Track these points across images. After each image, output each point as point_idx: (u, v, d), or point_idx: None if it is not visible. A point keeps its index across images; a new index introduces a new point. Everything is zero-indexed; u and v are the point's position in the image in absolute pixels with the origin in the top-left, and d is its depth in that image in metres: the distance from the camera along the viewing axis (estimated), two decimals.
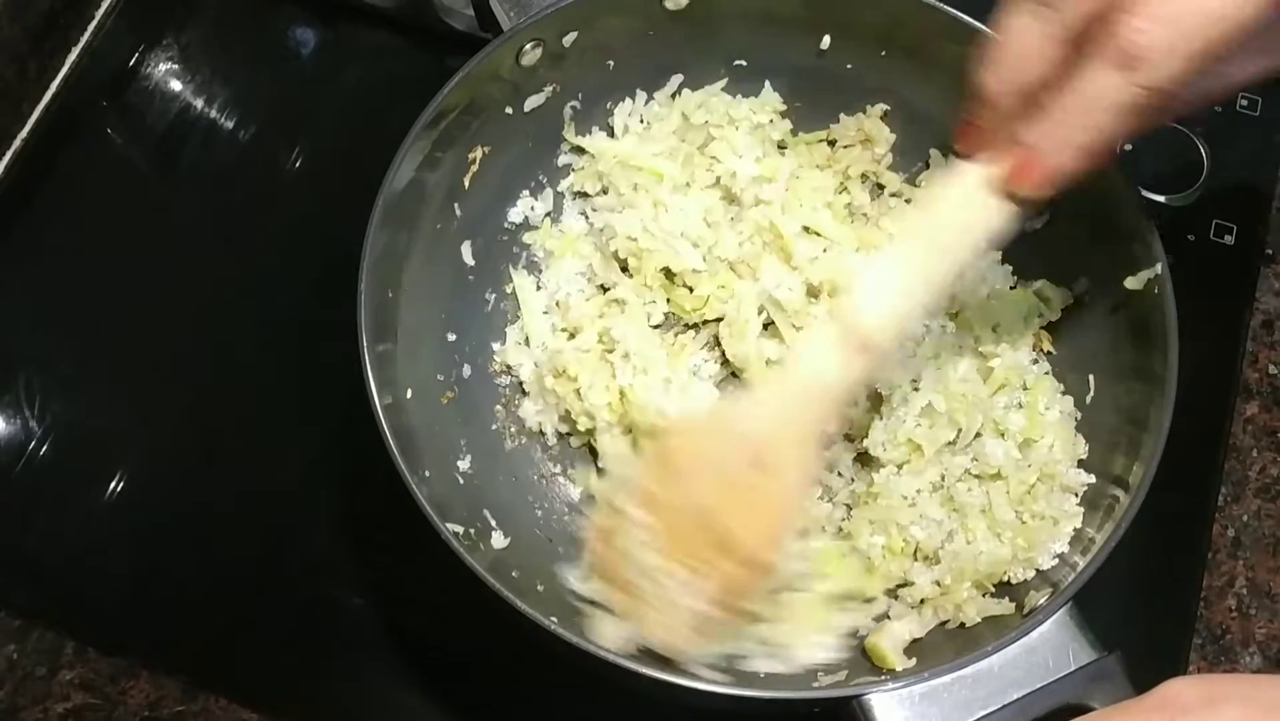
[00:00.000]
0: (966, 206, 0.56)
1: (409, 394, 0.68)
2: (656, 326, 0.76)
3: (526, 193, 0.79)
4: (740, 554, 0.57)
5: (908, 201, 0.78)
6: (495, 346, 0.77)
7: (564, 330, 0.76)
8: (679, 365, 0.74)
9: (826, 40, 0.76)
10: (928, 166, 0.78)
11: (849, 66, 0.77)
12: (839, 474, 0.71)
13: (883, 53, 0.75)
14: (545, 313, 0.77)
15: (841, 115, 0.79)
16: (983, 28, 0.70)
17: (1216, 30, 0.47)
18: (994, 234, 0.56)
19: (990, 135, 0.55)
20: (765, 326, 0.75)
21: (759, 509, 0.58)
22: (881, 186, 0.79)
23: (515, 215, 0.79)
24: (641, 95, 0.79)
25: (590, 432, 0.73)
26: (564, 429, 0.74)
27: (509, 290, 0.78)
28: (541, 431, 0.75)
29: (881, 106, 0.78)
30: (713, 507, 0.58)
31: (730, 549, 0.57)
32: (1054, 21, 0.51)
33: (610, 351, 0.73)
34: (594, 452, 0.74)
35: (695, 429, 0.63)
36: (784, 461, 0.58)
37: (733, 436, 0.59)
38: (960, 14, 0.70)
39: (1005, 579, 0.65)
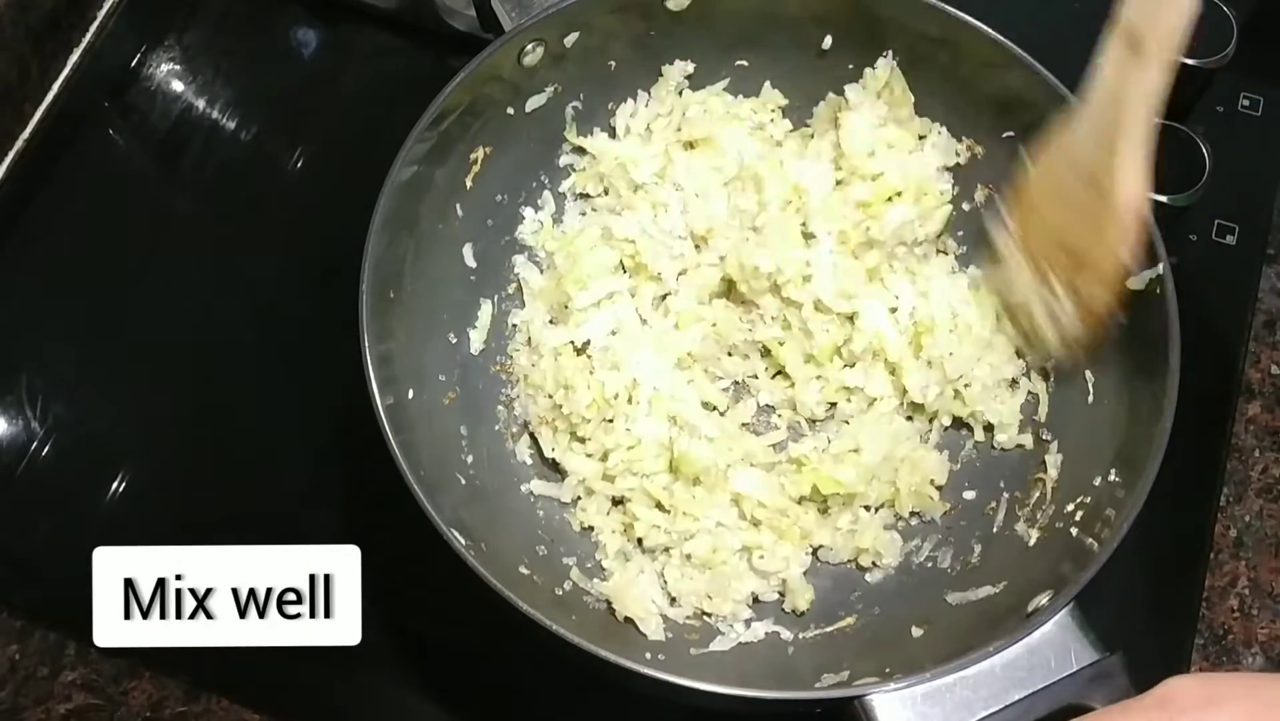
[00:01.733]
0: None
1: (410, 394, 0.68)
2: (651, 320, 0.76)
3: (528, 193, 0.79)
4: (1089, 263, 0.66)
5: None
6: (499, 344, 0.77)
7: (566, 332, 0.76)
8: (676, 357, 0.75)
9: (828, 40, 0.76)
10: None
11: (850, 67, 0.77)
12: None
13: (884, 55, 0.75)
14: (550, 317, 0.77)
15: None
16: (982, 26, 0.70)
17: None
18: None
19: None
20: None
21: (1100, 224, 0.65)
22: None
23: (517, 216, 0.79)
24: (644, 96, 0.79)
25: (572, 435, 0.73)
26: (561, 426, 0.74)
27: (510, 291, 0.78)
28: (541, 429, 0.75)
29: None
30: (1064, 232, 0.68)
31: (1082, 263, 0.67)
32: None
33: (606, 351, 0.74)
34: None
35: (1044, 177, 0.69)
36: (1108, 174, 0.63)
37: (1068, 168, 0.66)
38: (961, 14, 0.70)
39: None
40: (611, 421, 0.72)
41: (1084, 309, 0.68)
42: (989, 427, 0.74)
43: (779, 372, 0.76)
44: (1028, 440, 0.72)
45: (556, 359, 0.74)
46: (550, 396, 0.73)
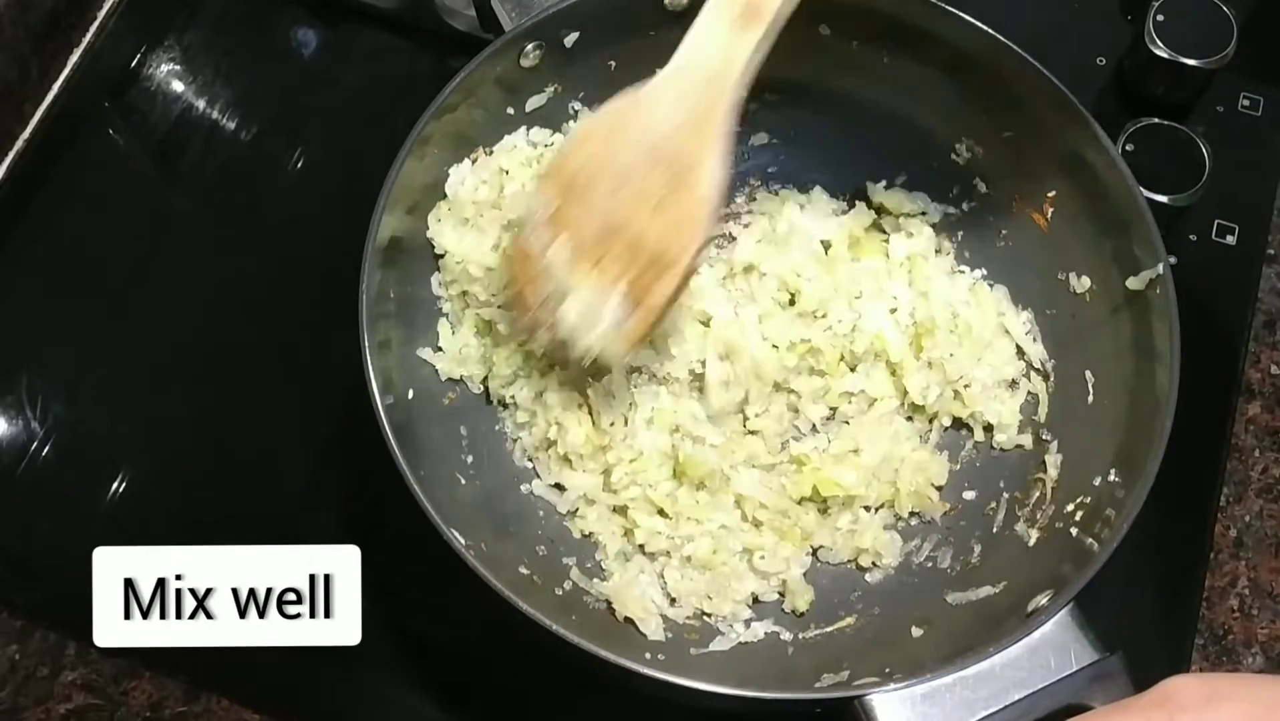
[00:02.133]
0: None
1: (410, 394, 0.68)
2: None
3: None
4: (650, 253, 0.57)
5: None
6: None
7: None
8: None
9: (824, 29, 0.75)
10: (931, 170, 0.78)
11: (853, 46, 0.77)
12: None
13: (885, 59, 0.75)
14: None
15: None
16: (980, 25, 0.70)
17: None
18: None
19: None
20: None
21: (667, 209, 0.57)
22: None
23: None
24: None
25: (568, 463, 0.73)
26: (556, 455, 0.73)
27: None
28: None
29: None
30: (621, 215, 0.58)
31: (640, 251, 0.57)
32: None
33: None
34: None
35: (593, 139, 0.61)
36: (689, 155, 0.56)
37: (632, 140, 0.58)
38: (961, 13, 0.70)
39: None
40: (608, 446, 0.72)
41: (637, 306, 0.59)
42: (989, 428, 0.74)
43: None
44: (1027, 440, 0.72)
45: (541, 396, 0.72)
46: (545, 434, 0.72)
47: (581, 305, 0.60)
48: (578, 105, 0.77)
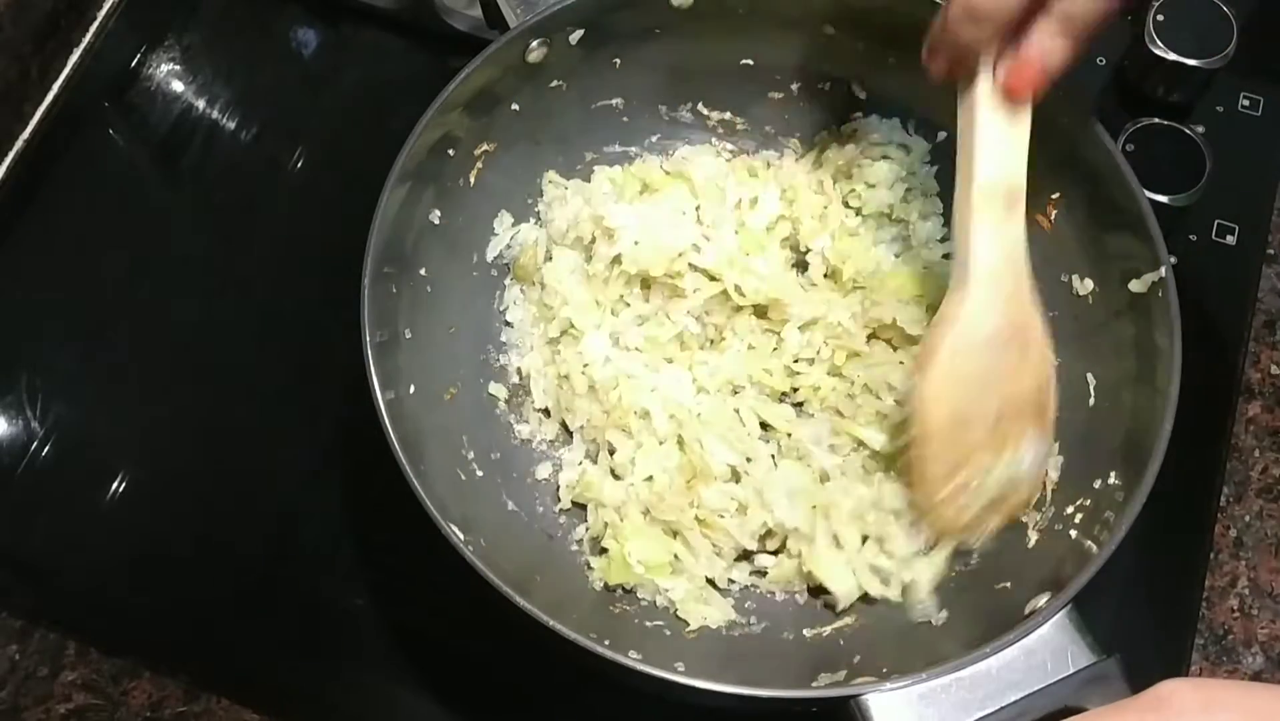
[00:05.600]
0: (988, 109, 0.63)
1: (411, 389, 0.68)
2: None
3: (528, 191, 0.79)
4: (1033, 405, 0.64)
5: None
6: (500, 340, 0.77)
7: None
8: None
9: (829, 29, 0.75)
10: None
11: (859, 47, 0.77)
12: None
13: (890, 60, 0.75)
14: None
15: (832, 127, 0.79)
16: None
17: None
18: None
19: (959, 55, 0.62)
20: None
21: (1028, 369, 0.64)
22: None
23: (520, 213, 0.79)
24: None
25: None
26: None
27: (509, 283, 0.78)
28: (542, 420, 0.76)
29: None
30: (999, 403, 0.64)
31: (1024, 410, 0.64)
32: None
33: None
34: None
35: (944, 386, 0.65)
36: (1023, 324, 0.64)
37: (975, 353, 0.64)
38: None
39: None
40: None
41: (1031, 469, 0.65)
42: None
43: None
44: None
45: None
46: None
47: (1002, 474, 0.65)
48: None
